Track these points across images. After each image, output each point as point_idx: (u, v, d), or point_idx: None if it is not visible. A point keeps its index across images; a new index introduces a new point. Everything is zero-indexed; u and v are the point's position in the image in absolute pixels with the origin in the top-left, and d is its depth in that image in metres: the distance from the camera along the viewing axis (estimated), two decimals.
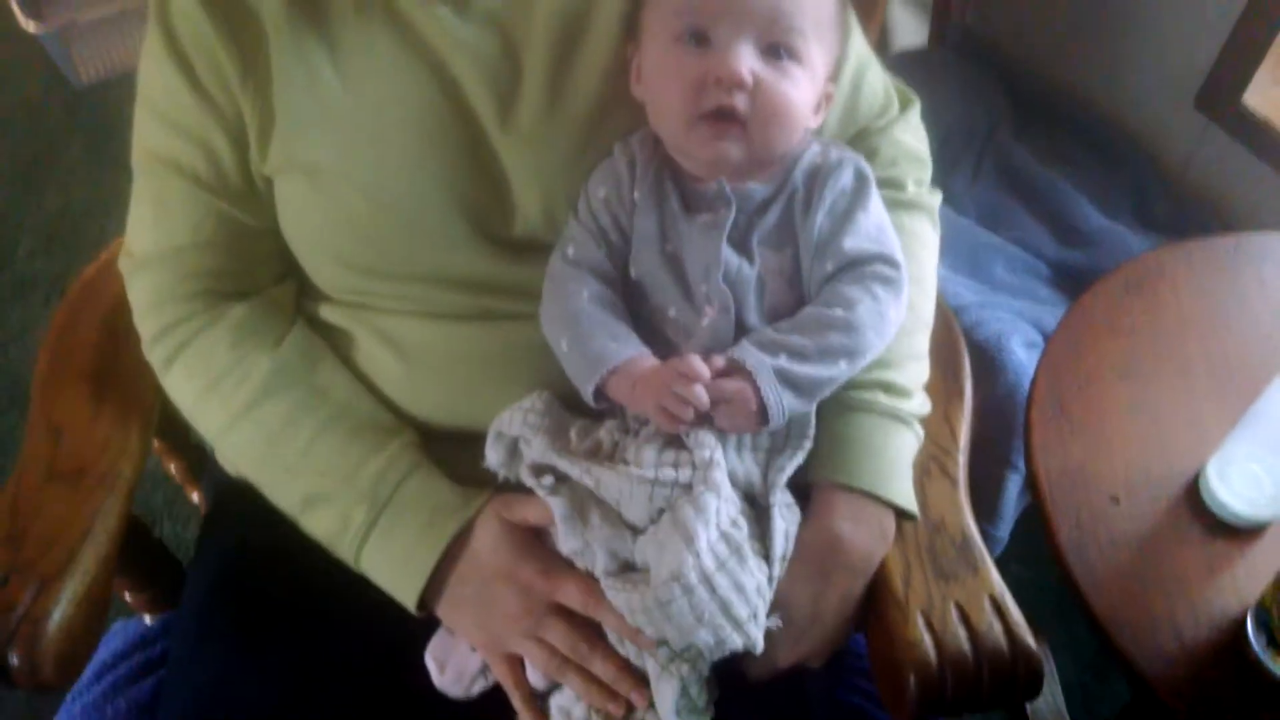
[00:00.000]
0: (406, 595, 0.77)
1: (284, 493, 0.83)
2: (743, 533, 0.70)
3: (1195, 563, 0.88)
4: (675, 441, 0.72)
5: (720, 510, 0.69)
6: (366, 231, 0.81)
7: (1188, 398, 1.00)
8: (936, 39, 1.91)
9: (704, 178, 0.76)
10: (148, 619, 0.97)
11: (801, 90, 0.74)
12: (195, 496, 1.10)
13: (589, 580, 0.73)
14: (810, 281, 0.76)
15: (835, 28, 0.78)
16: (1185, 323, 1.06)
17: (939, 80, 1.78)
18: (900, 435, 0.80)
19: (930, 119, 1.76)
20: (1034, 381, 1.02)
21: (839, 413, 0.79)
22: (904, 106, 0.94)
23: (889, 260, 0.75)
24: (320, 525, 0.80)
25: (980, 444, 0.97)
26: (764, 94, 0.72)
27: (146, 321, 0.86)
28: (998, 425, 1.30)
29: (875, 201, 0.78)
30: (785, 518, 0.73)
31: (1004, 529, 1.40)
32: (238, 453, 0.85)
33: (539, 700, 0.76)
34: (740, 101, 0.71)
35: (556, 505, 0.72)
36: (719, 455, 0.71)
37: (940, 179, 1.74)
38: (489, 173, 0.80)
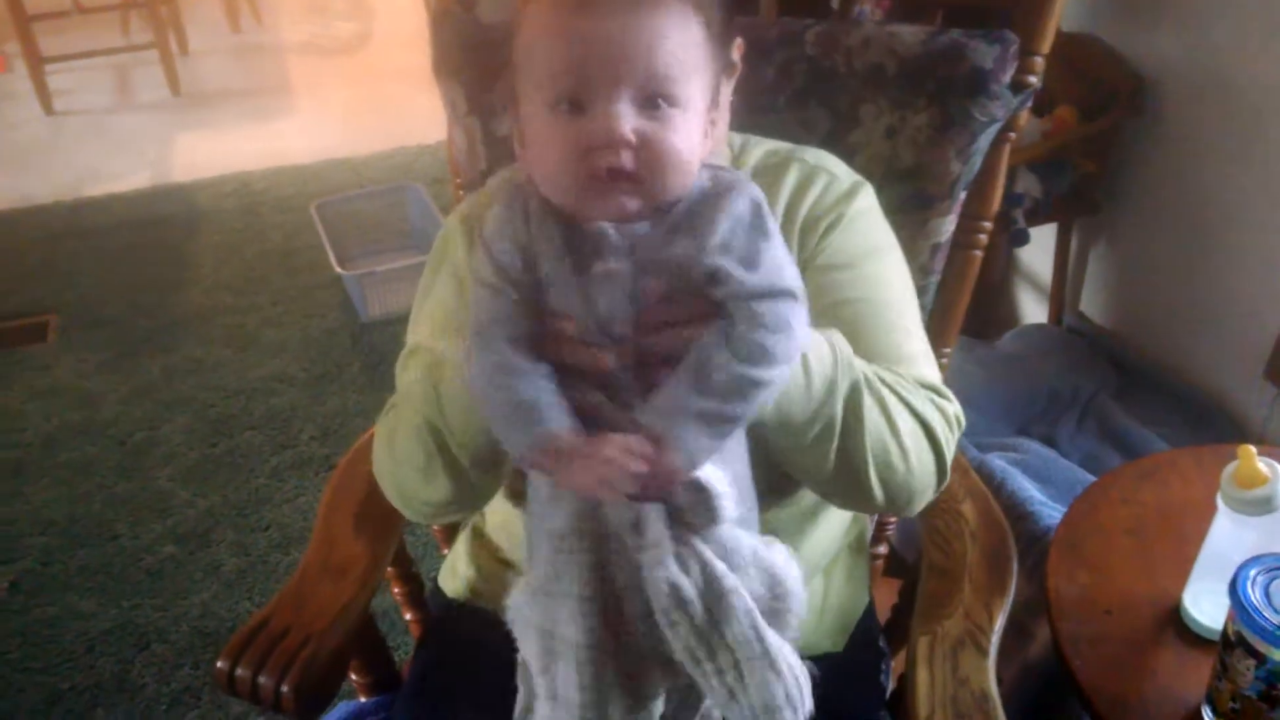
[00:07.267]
0: None
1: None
2: (783, 603, 0.76)
3: (1166, 659, 1.06)
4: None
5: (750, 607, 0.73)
6: None
7: (1182, 552, 1.11)
8: (1055, 318, 2.13)
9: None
10: (362, 699, 1.19)
11: (686, 134, 0.72)
12: (409, 616, 1.33)
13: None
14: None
15: (705, 56, 0.74)
16: (1187, 503, 1.21)
17: (1055, 350, 2.04)
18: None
19: (1045, 379, 2.03)
20: (1057, 530, 1.22)
21: None
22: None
23: (790, 293, 0.72)
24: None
25: None
26: (650, 148, 0.70)
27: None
28: None
29: (773, 227, 0.73)
30: (782, 560, 0.77)
31: None
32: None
33: None
34: (627, 160, 0.69)
35: None
36: (728, 572, 0.73)
37: (1048, 429, 1.96)
38: None
